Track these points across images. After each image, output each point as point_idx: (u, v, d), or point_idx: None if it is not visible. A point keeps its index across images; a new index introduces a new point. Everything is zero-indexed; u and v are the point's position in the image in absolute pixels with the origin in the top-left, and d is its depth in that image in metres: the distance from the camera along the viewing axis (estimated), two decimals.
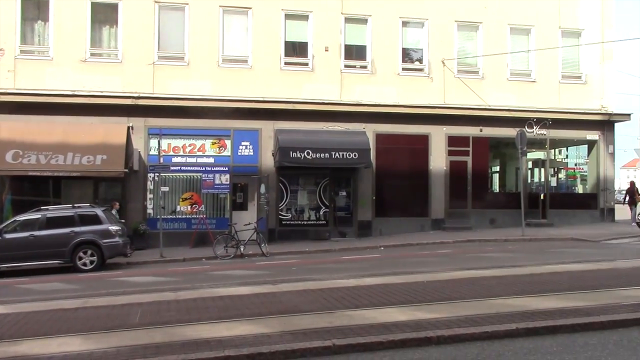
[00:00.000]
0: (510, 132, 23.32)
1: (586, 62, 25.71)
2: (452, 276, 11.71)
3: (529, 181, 26.16)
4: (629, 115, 26.44)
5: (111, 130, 20.95)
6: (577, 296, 8.92)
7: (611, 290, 9.33)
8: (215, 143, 22.24)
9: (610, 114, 25.64)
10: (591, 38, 25.52)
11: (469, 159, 24.43)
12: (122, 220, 19.67)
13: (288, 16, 23.02)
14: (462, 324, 7.31)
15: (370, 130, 23.19)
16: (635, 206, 25.93)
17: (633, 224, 24.25)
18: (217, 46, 22.31)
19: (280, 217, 22.62)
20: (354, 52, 23.79)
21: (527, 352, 6.38)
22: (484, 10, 24.54)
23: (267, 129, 22.40)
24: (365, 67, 23.63)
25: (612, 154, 26.10)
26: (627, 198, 26.65)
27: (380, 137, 23.45)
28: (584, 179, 27.49)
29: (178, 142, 21.95)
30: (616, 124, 26.20)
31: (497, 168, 27.95)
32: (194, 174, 22.07)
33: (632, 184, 27.93)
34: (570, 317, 7.45)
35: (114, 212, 19.33)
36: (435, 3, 24.11)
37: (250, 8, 22.60)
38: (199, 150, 22.09)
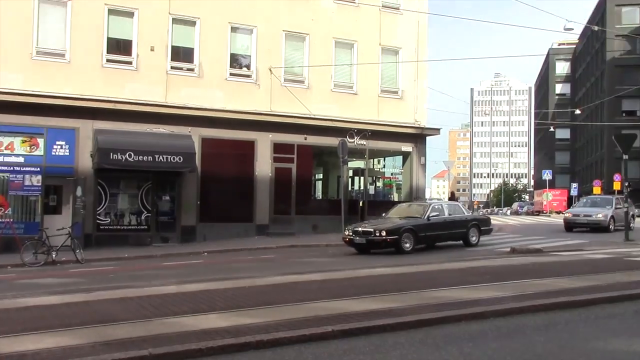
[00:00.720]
0: (333, 141, 24.26)
1: (403, 78, 27.49)
2: (274, 281, 11.84)
3: (350, 189, 27.35)
4: (439, 129, 28.78)
5: None
6: (391, 298, 9.42)
7: (420, 292, 9.96)
8: (25, 141, 20.57)
9: (422, 128, 27.62)
10: (407, 56, 27.35)
11: (293, 166, 24.99)
12: None
13: (112, 11, 22.00)
14: (282, 328, 7.39)
15: (197, 134, 22.85)
16: None
17: None
18: (30, 37, 20.68)
19: (98, 221, 21.47)
20: (182, 54, 23.33)
21: (342, 353, 6.60)
22: (311, 23, 25.31)
23: (86, 128, 21.17)
24: (192, 69, 23.27)
25: (424, 165, 28.14)
26: None
27: (206, 142, 23.20)
28: (399, 188, 29.31)
29: None
30: (428, 137, 28.34)
31: (321, 175, 28.93)
32: (0, 174, 20.24)
33: (453, 194, 30.89)
34: (382, 318, 7.84)
35: None
36: (264, 11, 24.41)
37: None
38: (6, 148, 20.30)
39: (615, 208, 26.79)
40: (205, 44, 23.37)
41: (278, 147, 24.64)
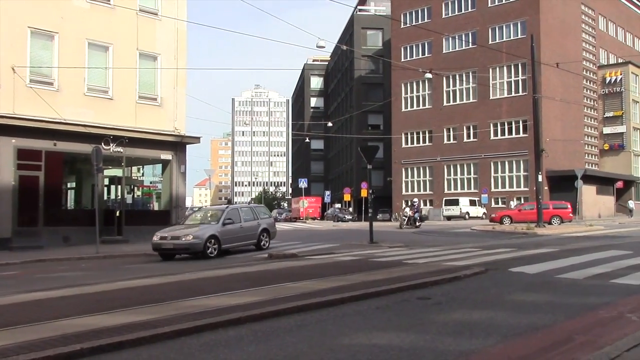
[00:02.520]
0: (87, 148, 22.93)
1: (162, 85, 26.99)
2: (14, 300, 10.75)
3: (106, 198, 26.06)
4: (199, 138, 28.77)
5: None
6: (146, 309, 9.11)
7: (178, 302, 9.78)
8: None
9: (182, 136, 27.38)
10: (166, 63, 26.93)
11: (41, 174, 23.13)
12: None
13: None
14: (23, 351, 6.71)
15: None
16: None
17: None
18: None
19: None
20: None
21: None
22: (61, 21, 23.69)
23: None
24: None
25: (184, 174, 27.89)
26: None
27: None
28: (159, 197, 28.70)
29: None
30: (188, 146, 28.18)
31: (74, 184, 27.16)
32: None
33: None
34: (136, 331, 7.53)
35: None
36: (5, 5, 22.25)
37: None
38: None
39: (225, 223, 20.07)
40: None
41: (23, 154, 22.59)
